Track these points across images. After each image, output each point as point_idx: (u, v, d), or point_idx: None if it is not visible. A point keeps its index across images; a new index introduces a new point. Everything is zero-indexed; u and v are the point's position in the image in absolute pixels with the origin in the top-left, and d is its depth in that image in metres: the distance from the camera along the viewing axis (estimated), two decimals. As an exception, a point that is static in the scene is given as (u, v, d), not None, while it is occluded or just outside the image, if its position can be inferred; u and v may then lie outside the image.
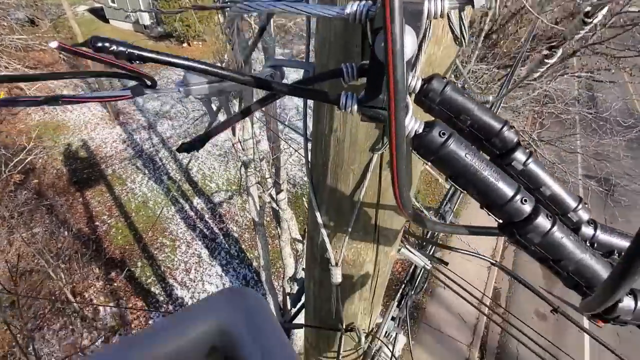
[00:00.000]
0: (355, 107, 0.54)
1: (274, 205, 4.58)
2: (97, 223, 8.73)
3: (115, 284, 7.54)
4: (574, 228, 0.61)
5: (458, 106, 0.55)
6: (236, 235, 8.76)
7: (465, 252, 1.60)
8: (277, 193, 4.51)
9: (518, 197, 0.53)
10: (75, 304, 6.62)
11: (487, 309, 9.59)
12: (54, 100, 0.58)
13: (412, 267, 1.96)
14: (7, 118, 10.77)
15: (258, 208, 4.73)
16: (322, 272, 1.18)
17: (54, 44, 0.48)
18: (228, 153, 10.31)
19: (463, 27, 0.51)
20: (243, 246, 8.52)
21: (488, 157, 0.57)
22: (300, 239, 5.05)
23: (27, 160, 8.84)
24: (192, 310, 0.44)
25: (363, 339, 1.55)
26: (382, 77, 0.49)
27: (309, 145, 1.04)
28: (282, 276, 6.24)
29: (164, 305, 7.38)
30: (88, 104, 10.09)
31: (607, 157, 10.37)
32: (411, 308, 8.64)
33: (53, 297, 6.46)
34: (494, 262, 1.74)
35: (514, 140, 0.58)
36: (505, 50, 10.08)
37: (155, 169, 10.10)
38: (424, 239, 2.28)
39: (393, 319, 1.77)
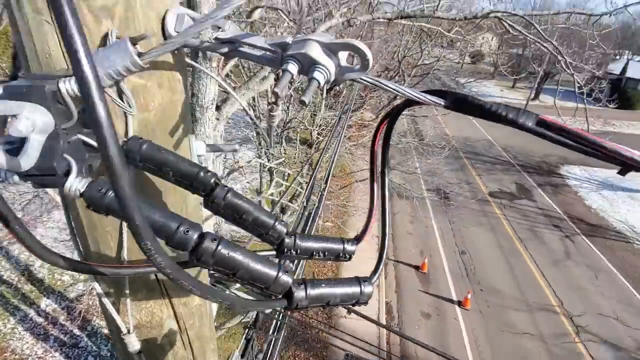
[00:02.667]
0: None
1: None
2: None
3: None
4: (281, 241, 0.72)
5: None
6: (105, 330, 7.32)
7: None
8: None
9: (181, 228, 0.57)
10: None
11: (385, 329, 10.37)
12: None
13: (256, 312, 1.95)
14: None
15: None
16: (123, 343, 1.08)
17: None
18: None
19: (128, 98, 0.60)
20: (119, 340, 7.15)
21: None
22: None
23: None
24: None
25: None
26: None
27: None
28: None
29: None
30: None
31: (436, 172, 13.25)
32: (316, 345, 8.68)
33: None
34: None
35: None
36: (344, 99, 12.04)
37: None
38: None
39: None
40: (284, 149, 11.31)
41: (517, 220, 15.44)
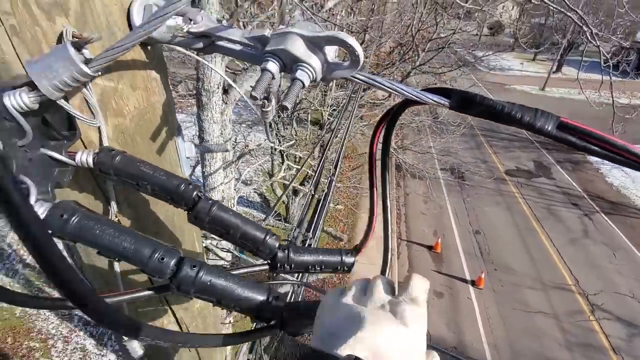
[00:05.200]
0: None
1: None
2: None
3: None
4: (273, 255, 0.67)
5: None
6: (129, 309, 7.63)
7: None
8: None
9: (155, 256, 0.54)
10: None
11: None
12: None
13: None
14: None
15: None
16: (125, 350, 1.08)
17: None
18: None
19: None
20: (140, 319, 7.46)
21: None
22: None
23: None
24: None
25: None
26: None
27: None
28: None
29: None
30: None
31: (450, 151, 12.91)
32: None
33: None
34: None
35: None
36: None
37: (4, 257, 8.15)
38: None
39: None
40: (295, 131, 11.18)
41: (534, 199, 15.07)
